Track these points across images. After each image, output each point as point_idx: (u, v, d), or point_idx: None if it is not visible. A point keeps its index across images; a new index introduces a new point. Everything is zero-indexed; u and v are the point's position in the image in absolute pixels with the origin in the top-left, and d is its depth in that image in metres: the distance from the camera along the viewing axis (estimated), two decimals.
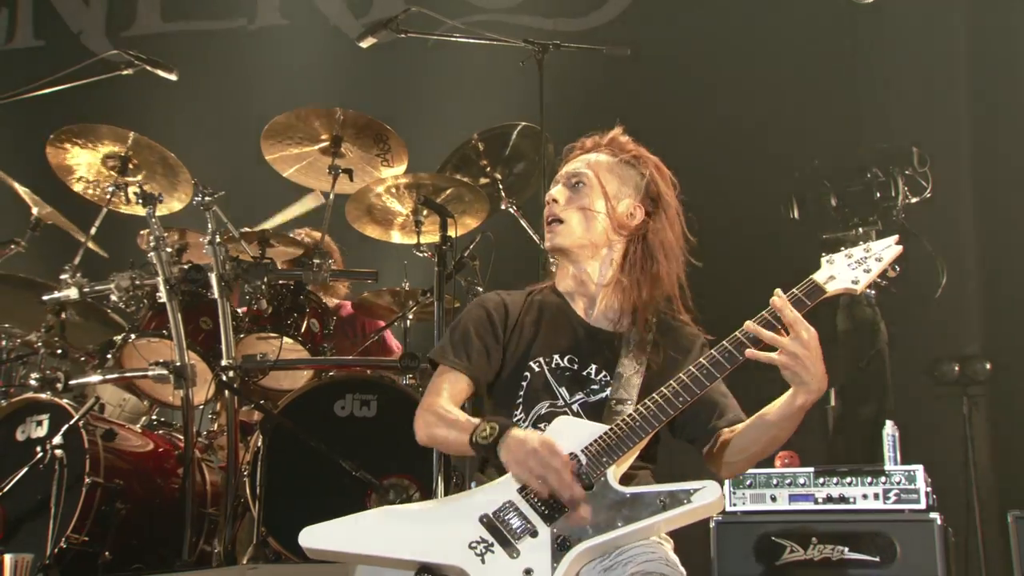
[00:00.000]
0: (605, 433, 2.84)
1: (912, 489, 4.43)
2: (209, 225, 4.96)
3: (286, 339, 5.28)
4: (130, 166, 5.46)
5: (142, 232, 5.30)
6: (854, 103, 6.33)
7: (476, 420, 2.92)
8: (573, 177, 3.15)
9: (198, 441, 5.16)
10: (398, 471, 4.69)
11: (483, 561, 2.79)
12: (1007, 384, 5.72)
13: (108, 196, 5.46)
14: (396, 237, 5.67)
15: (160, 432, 5.32)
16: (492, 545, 2.81)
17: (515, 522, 2.82)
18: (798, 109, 6.34)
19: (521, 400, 3.05)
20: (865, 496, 4.44)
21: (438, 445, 3.18)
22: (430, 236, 5.41)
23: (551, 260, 5.33)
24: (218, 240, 4.97)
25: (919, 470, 4.43)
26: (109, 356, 5.24)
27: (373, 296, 5.94)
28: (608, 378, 3.02)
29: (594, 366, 3.06)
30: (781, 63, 6.38)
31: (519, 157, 5.84)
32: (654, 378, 2.99)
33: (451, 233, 4.98)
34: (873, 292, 5.27)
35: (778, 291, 2.78)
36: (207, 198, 4.98)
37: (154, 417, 5.53)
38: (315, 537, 2.89)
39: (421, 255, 5.45)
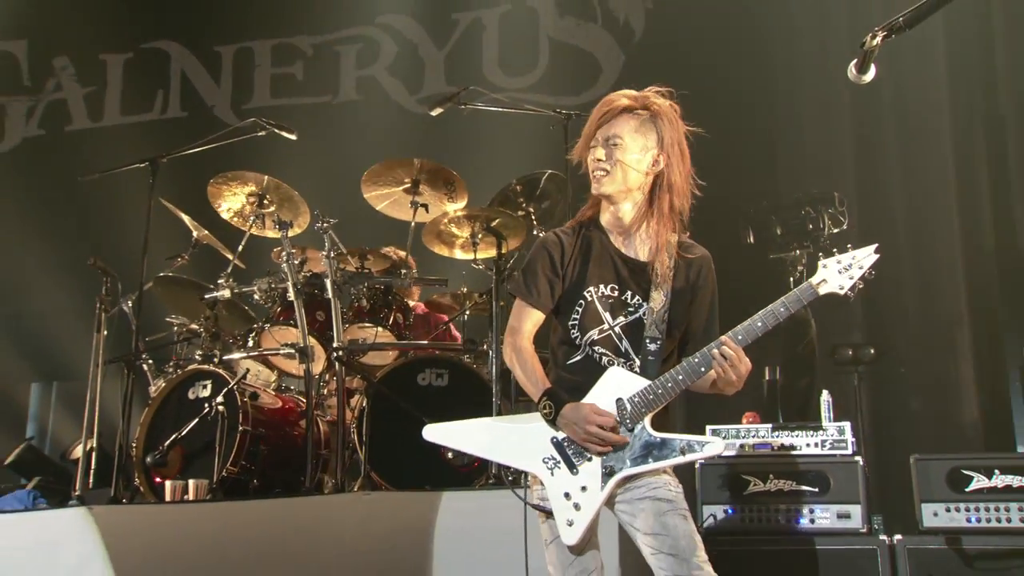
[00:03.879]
0: (646, 388, 2.84)
1: (842, 440, 4.43)
2: (326, 244, 5.01)
3: (379, 328, 5.29)
4: (265, 201, 5.50)
5: (275, 249, 5.35)
6: (795, 160, 6.42)
7: (541, 389, 2.88)
8: (610, 139, 2.97)
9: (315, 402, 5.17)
10: None
11: (552, 474, 2.86)
12: (885, 365, 5.78)
13: (250, 223, 5.51)
14: (458, 254, 5.62)
15: (287, 394, 5.37)
16: (559, 463, 2.86)
17: (577, 449, 2.85)
18: (754, 163, 6.44)
19: (576, 322, 2.97)
20: (808, 444, 4.44)
21: (516, 378, 3.06)
22: (482, 253, 5.36)
23: None
24: (332, 255, 5.00)
25: (847, 426, 4.47)
26: (251, 339, 5.31)
27: (440, 297, 5.99)
28: (641, 301, 2.95)
29: (629, 292, 2.97)
30: (740, 134, 6.49)
31: (546, 196, 5.71)
32: (676, 307, 2.96)
33: (503, 251, 5.02)
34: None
35: (724, 338, 2.81)
36: (325, 224, 5.00)
37: (281, 384, 5.55)
38: (435, 433, 3.01)
39: (477, 267, 5.41)
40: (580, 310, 2.97)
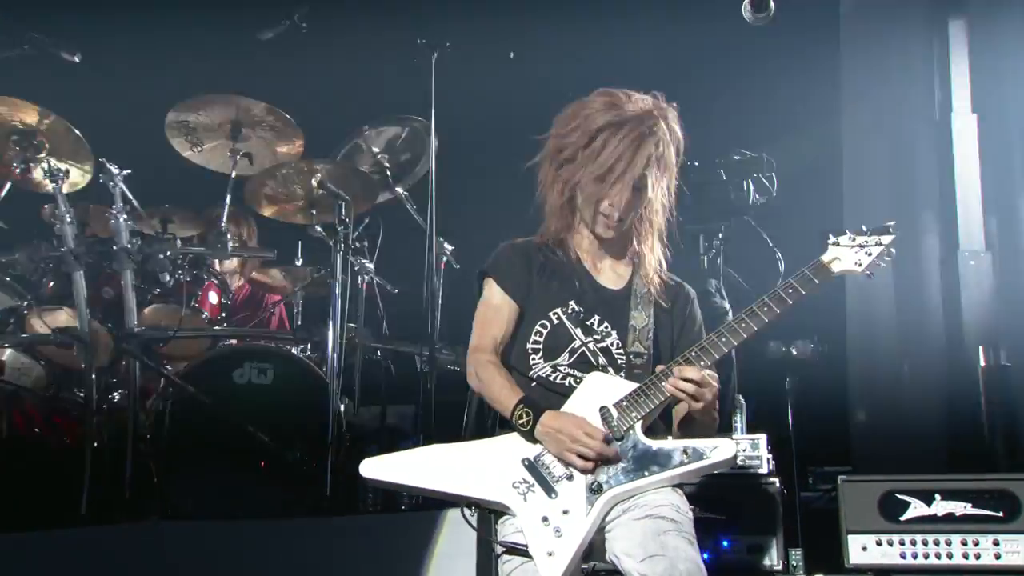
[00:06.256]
0: (633, 391, 2.82)
1: (756, 456, 4.09)
2: (115, 200, 4.71)
3: (186, 310, 5.02)
4: (35, 141, 5.04)
5: (46, 205, 5.00)
6: (716, 121, 6.27)
7: (516, 397, 2.87)
8: (638, 180, 2.95)
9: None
10: (292, 432, 4.57)
11: (525, 500, 2.79)
12: (826, 365, 5.65)
13: (14, 170, 5.03)
14: (292, 218, 5.41)
15: (61, 395, 5.06)
16: (533, 486, 2.80)
17: (554, 467, 2.81)
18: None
19: (540, 346, 3.00)
20: None
21: (484, 397, 3.04)
22: (324, 218, 5.22)
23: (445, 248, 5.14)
24: (123, 215, 4.73)
25: (762, 439, 4.27)
26: (11, 322, 4.95)
27: (263, 274, 5.79)
28: (609, 328, 3.01)
29: (597, 317, 3.02)
30: (657, 83, 6.34)
31: (407, 148, 5.63)
32: (661, 329, 3.06)
33: (346, 215, 4.92)
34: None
35: (681, 369, 2.81)
36: (116, 175, 4.71)
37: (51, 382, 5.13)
38: (374, 468, 2.90)
39: (316, 235, 5.25)
40: (545, 331, 2.99)
